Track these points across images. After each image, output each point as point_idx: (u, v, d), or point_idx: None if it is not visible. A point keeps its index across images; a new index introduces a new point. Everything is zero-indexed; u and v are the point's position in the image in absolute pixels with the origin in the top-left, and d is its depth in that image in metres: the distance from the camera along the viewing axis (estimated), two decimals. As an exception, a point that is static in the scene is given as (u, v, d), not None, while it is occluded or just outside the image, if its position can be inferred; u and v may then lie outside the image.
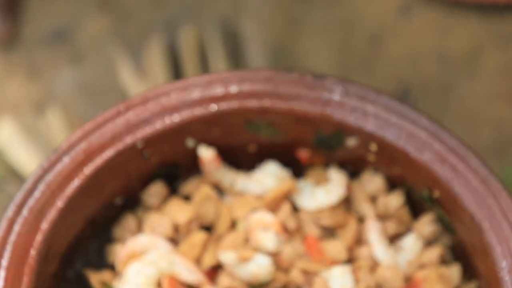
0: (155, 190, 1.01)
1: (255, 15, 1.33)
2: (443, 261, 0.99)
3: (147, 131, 0.98)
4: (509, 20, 1.29)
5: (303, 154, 1.02)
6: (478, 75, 1.28)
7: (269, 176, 1.02)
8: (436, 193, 0.97)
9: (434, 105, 1.28)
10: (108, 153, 0.97)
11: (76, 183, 0.96)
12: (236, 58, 1.34)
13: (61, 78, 1.32)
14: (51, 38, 1.34)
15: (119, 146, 0.97)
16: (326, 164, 1.03)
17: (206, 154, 1.01)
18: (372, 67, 1.30)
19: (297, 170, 1.04)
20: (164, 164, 1.01)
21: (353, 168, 1.03)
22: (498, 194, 0.93)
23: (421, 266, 0.98)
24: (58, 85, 1.32)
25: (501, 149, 1.26)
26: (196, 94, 0.99)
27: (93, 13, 1.35)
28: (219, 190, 1.03)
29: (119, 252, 0.99)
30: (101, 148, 0.97)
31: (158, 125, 0.98)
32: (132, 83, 1.31)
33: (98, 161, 0.96)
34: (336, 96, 0.98)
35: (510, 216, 0.92)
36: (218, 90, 0.99)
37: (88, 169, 0.96)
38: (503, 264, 0.91)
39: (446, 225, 0.99)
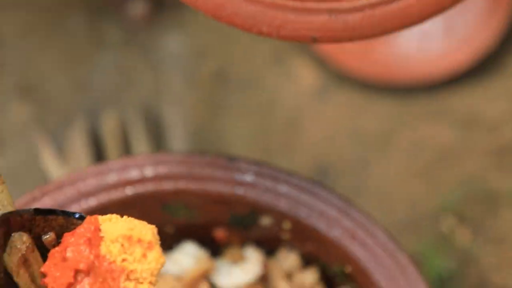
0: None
1: (177, 100, 1.36)
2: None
3: (63, 216, 0.99)
4: (418, 101, 1.34)
5: (220, 233, 1.05)
6: (391, 153, 1.32)
7: (187, 257, 1.04)
8: (348, 268, 1.00)
9: (352, 182, 1.31)
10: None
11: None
12: (158, 142, 1.36)
13: (-17, 165, 1.33)
14: (-28, 126, 1.35)
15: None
16: (243, 243, 1.05)
17: (123, 236, 1.02)
18: (292, 148, 1.34)
19: (215, 249, 1.06)
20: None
21: (269, 246, 1.05)
22: (405, 268, 0.96)
23: None
24: (-21, 173, 1.32)
25: (416, 225, 1.29)
26: (112, 178, 1.01)
27: (14, 100, 1.36)
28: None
29: None
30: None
31: (73, 210, 0.99)
32: (54, 169, 1.32)
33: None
34: (249, 177, 1.01)
35: (418, 289, 0.95)
36: (134, 174, 1.01)
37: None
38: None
39: (359, 300, 1.01)
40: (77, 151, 1.34)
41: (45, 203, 1.00)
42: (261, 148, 1.34)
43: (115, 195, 1.01)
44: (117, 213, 1.02)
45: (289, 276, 1.04)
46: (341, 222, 0.99)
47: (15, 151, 1.34)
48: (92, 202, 1.00)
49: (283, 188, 1.00)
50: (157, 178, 1.01)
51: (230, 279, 1.03)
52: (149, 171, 1.01)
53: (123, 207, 1.01)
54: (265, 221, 1.02)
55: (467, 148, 1.33)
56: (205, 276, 1.03)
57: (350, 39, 0.88)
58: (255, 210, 1.01)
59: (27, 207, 1.00)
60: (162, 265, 0.78)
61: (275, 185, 1.00)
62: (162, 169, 1.01)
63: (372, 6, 0.87)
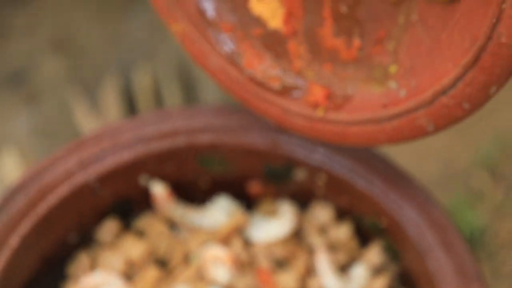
0: (108, 227, 1.03)
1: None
2: (392, 289, 1.02)
3: (99, 168, 1.00)
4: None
5: (254, 187, 1.05)
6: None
7: (221, 211, 1.04)
8: (383, 223, 1.00)
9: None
10: (61, 192, 0.99)
11: (29, 222, 0.97)
12: (190, 96, 1.36)
13: (17, 119, 1.34)
14: (6, 80, 1.36)
15: (71, 184, 0.99)
16: (277, 197, 1.06)
17: (159, 190, 1.03)
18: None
19: (249, 203, 1.06)
20: (117, 201, 1.03)
21: (303, 200, 1.05)
22: (440, 223, 0.96)
23: (371, 294, 1.01)
24: (14, 127, 1.33)
25: (449, 180, 1.29)
26: (148, 130, 1.01)
27: (48, 55, 1.37)
28: (172, 225, 1.05)
29: (73, 288, 1.01)
30: (54, 186, 0.98)
31: (110, 162, 1.00)
32: (88, 124, 1.33)
33: (51, 199, 0.98)
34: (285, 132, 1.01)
35: (453, 245, 0.95)
36: (169, 126, 1.01)
37: (41, 208, 0.98)
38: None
39: (393, 254, 1.01)
40: (110, 106, 1.34)
41: (82, 155, 1.00)
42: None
43: (151, 147, 1.01)
44: (153, 165, 1.03)
45: (323, 230, 1.04)
46: (375, 175, 0.98)
47: (49, 105, 1.35)
48: (128, 154, 1.01)
49: (317, 144, 1.00)
50: (192, 130, 1.01)
51: (264, 233, 1.03)
52: (184, 124, 1.01)
53: (159, 160, 1.01)
54: (300, 174, 1.02)
55: (501, 103, 1.32)
56: (239, 230, 1.03)
57: (296, 133, 0.97)
58: (290, 162, 1.01)
59: (63, 160, 1.00)
60: None
61: (310, 141, 1.00)
62: (198, 122, 1.02)
63: (316, 120, 0.93)
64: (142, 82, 1.35)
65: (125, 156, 1.01)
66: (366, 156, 1.00)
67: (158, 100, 1.35)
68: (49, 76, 1.36)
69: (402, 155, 1.30)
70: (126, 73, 1.36)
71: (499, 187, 1.28)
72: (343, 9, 0.91)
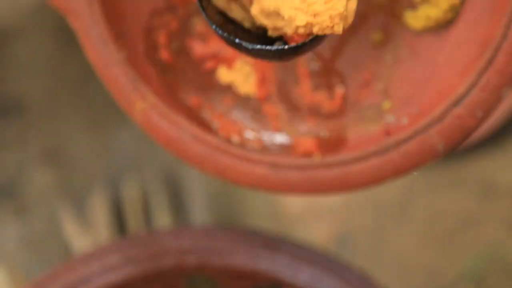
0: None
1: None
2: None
3: (87, 290, 1.01)
4: (435, 169, 1.35)
5: (241, 308, 1.05)
6: (409, 222, 1.33)
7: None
8: None
9: (369, 252, 1.32)
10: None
11: None
12: (179, 209, 1.37)
13: (6, 231, 1.34)
14: (-4, 192, 1.37)
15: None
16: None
17: (146, 311, 1.03)
18: (310, 218, 1.34)
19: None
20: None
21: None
22: None
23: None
24: (2, 239, 1.34)
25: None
26: (135, 252, 1.02)
27: (37, 166, 1.38)
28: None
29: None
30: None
31: (98, 284, 1.00)
32: (76, 236, 1.34)
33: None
34: (270, 253, 1.02)
35: None
36: (156, 247, 1.02)
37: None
38: None
39: None
40: (98, 220, 1.35)
41: (69, 277, 1.01)
42: (280, 215, 1.35)
43: (139, 269, 1.02)
44: (140, 287, 1.03)
45: None
46: (361, 299, 0.99)
47: (38, 218, 1.35)
48: (116, 276, 1.01)
49: (304, 263, 1.01)
50: (180, 251, 1.02)
51: None
52: (172, 245, 1.02)
53: (147, 280, 1.02)
54: (286, 296, 1.03)
55: (485, 216, 1.33)
56: None
57: (289, 192, 0.88)
58: (277, 284, 1.02)
59: (52, 282, 1.01)
60: None
61: (296, 260, 1.01)
62: (185, 243, 1.03)
63: (313, 167, 0.86)
64: (130, 193, 1.36)
65: (112, 277, 1.02)
66: (354, 278, 1.01)
67: (146, 211, 1.36)
68: (39, 187, 1.37)
69: (388, 269, 1.30)
70: (115, 184, 1.37)
71: (485, 301, 1.29)
72: (320, 65, 0.88)
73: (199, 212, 1.36)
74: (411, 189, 1.35)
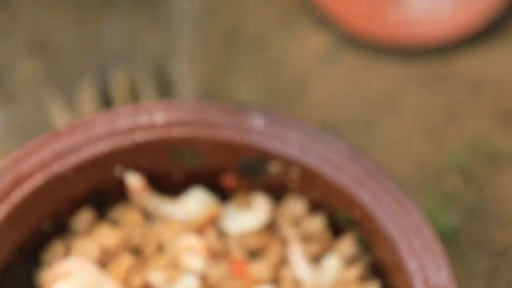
0: (83, 216, 1.04)
1: (186, 58, 1.37)
2: (363, 280, 1.02)
3: (74, 159, 1.01)
4: (426, 63, 1.35)
5: (228, 180, 1.06)
6: (398, 114, 1.33)
7: (196, 202, 1.05)
8: (356, 215, 1.01)
9: (358, 141, 1.32)
10: (36, 181, 0.99)
11: (3, 210, 0.98)
12: (167, 100, 1.37)
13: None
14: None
15: (46, 174, 1.00)
16: (251, 190, 1.07)
17: (133, 181, 1.03)
18: (299, 107, 1.35)
19: (223, 195, 1.07)
20: (92, 192, 1.04)
21: (277, 193, 1.06)
22: (411, 214, 0.97)
23: (343, 285, 1.01)
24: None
25: (422, 183, 1.30)
26: (123, 123, 1.02)
27: (25, 56, 1.37)
28: (147, 215, 1.06)
29: (47, 276, 1.01)
30: (29, 176, 0.99)
31: (85, 153, 1.01)
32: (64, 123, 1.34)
33: (26, 189, 0.99)
34: (258, 124, 1.02)
35: (423, 234, 0.96)
36: (144, 119, 1.02)
37: (16, 197, 0.98)
38: (417, 280, 0.95)
39: (365, 245, 1.02)
40: (86, 106, 1.35)
41: (57, 146, 1.01)
42: (268, 105, 1.35)
43: (125, 140, 1.02)
44: (127, 158, 1.03)
45: (296, 222, 1.05)
46: (349, 168, 1.00)
47: (26, 106, 1.35)
48: (103, 146, 1.01)
49: (291, 135, 1.01)
50: (167, 124, 1.02)
51: (238, 224, 1.04)
52: (159, 117, 1.02)
53: (133, 152, 1.02)
54: (273, 168, 1.03)
55: (472, 110, 1.34)
56: (213, 221, 1.04)
57: None
58: (264, 156, 1.02)
59: (39, 150, 1.01)
60: None
61: (283, 131, 1.01)
62: (172, 116, 1.03)
63: None
64: (119, 84, 1.36)
65: (100, 147, 1.02)
66: (341, 149, 1.01)
67: (135, 101, 1.36)
68: (26, 76, 1.36)
69: (375, 157, 1.31)
70: (103, 75, 1.36)
71: (471, 190, 1.30)
72: None
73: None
74: (400, 82, 1.35)
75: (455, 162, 1.31)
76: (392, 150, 1.32)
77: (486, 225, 1.28)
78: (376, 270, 1.02)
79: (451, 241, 1.26)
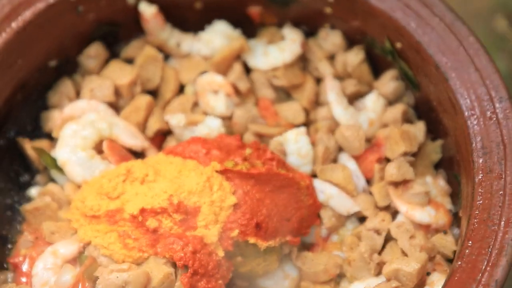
0: (94, 52, 0.93)
1: None
2: (407, 119, 0.91)
3: (81, -17, 0.89)
4: None
5: (254, 11, 0.94)
6: None
7: (218, 36, 0.94)
8: (399, 44, 0.89)
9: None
10: (38, 5, 0.88)
11: (2, 38, 0.87)
12: None
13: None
14: None
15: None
16: (280, 24, 0.95)
17: (148, 9, 0.92)
18: None
19: (249, 30, 0.95)
20: (102, 23, 0.92)
21: (309, 27, 0.95)
22: (464, 40, 0.85)
23: (384, 125, 0.91)
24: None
25: (469, 23, 1.19)
26: None
27: None
28: (165, 53, 0.94)
29: (55, 118, 0.91)
30: (29, 1, 0.88)
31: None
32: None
33: (27, 14, 0.88)
34: None
35: (478, 63, 0.85)
36: None
37: (16, 24, 0.87)
38: (471, 117, 0.83)
39: (409, 81, 0.91)
40: None
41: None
42: None
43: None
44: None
45: (331, 57, 0.94)
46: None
47: None
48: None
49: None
50: None
51: (265, 59, 0.93)
52: None
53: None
54: (305, -6, 0.91)
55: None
56: (238, 56, 0.93)
57: None
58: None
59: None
60: None
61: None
62: None
63: None
64: None
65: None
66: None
67: None
68: None
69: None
70: None
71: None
72: None
73: None
74: None
75: (503, 4, 1.19)
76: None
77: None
78: (422, 109, 0.91)
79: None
